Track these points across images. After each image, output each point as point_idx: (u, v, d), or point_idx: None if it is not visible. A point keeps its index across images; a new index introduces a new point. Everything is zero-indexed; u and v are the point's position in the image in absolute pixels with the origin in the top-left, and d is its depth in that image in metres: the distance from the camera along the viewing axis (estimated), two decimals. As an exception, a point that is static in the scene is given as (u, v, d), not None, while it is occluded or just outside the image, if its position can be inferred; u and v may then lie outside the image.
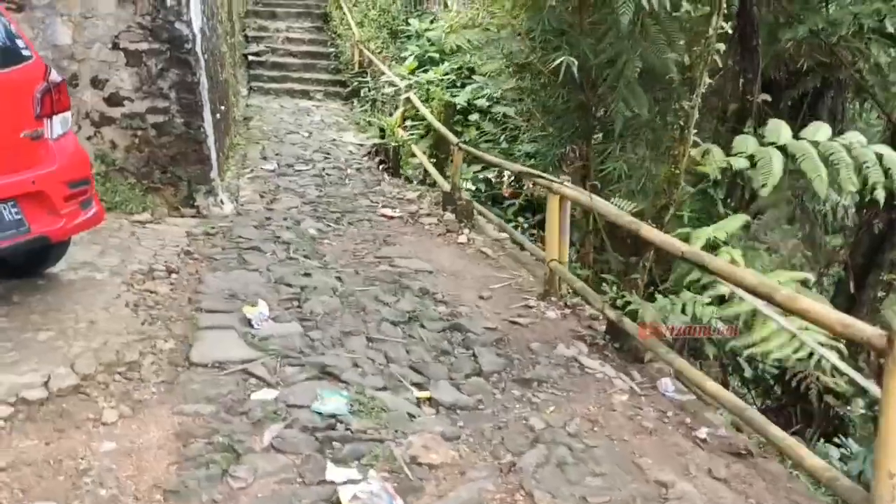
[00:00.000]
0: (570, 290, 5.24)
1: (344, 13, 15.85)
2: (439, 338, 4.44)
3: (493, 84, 13.01)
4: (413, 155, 10.47)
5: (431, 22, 15.65)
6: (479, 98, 12.79)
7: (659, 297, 4.56)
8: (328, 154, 10.59)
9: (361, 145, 11.46)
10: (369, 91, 13.55)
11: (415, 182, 9.58)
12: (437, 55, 14.18)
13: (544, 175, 5.20)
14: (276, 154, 10.21)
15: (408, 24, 16.02)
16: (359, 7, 16.33)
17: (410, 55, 13.51)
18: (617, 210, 4.29)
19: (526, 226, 9.68)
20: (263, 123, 12.27)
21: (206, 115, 7.78)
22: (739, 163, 4.25)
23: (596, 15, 8.19)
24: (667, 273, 7.29)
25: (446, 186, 8.22)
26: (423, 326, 4.58)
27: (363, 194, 8.68)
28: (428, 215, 7.74)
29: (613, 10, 7.57)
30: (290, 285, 5.06)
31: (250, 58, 15.44)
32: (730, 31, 6.87)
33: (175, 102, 7.46)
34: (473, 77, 13.25)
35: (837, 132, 4.95)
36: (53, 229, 4.30)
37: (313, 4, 18.15)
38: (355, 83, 14.21)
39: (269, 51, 15.82)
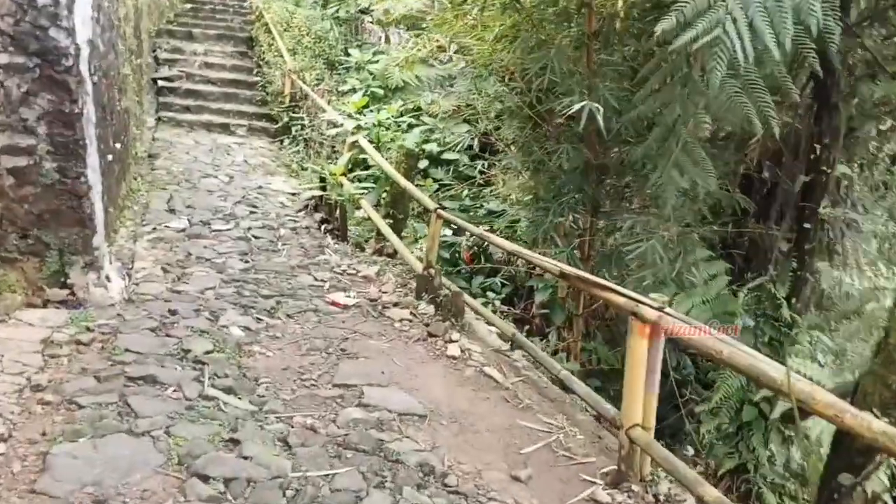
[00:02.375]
0: (658, 469, 3.34)
1: (273, 38, 13.79)
2: None
3: (444, 127, 11.38)
4: (358, 207, 8.49)
5: (374, 54, 13.83)
6: (428, 143, 11.01)
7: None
8: (254, 207, 8.46)
9: (295, 195, 9.39)
10: (303, 129, 11.51)
11: (368, 250, 7.57)
12: (380, 91, 12.37)
13: (623, 291, 3.32)
14: (188, 206, 8.00)
15: (347, 54, 14.13)
16: (290, 33, 14.32)
17: (358, 91, 11.59)
18: (832, 399, 2.37)
19: (497, 302, 7.87)
20: (173, 163, 10.02)
21: (92, 157, 5.62)
22: None
23: (613, 53, 6.57)
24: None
25: (417, 265, 6.27)
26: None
27: (303, 267, 6.62)
28: (396, 305, 5.76)
29: (641, 49, 5.99)
30: (206, 478, 2.96)
31: (160, 83, 13.15)
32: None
33: (45, 140, 5.30)
34: (422, 118, 11.50)
35: None
36: None
37: (237, 27, 16.02)
38: (286, 119, 12.14)
39: (184, 76, 13.57)
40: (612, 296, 3.39)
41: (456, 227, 6.74)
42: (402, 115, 10.50)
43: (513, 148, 8.37)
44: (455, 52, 8.68)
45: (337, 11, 15.30)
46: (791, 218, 6.06)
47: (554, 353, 7.13)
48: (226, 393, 3.84)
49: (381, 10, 13.87)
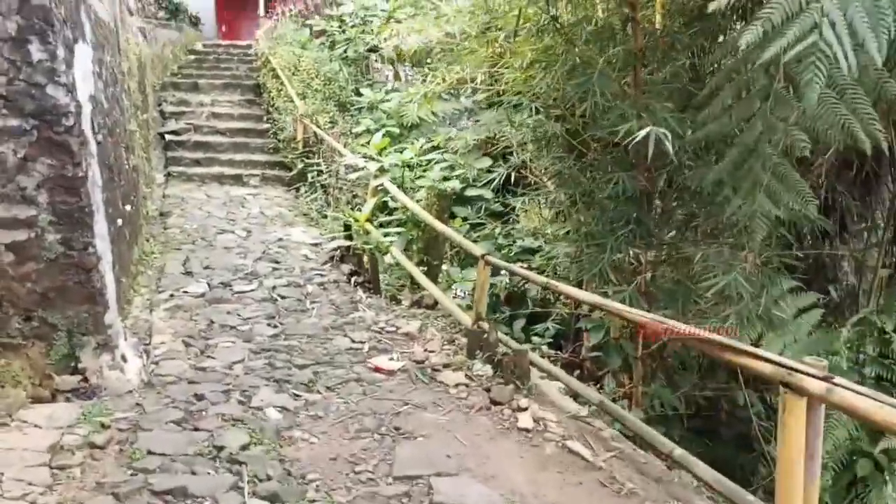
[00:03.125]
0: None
1: (282, 83, 13.36)
2: None
3: (465, 162, 10.84)
4: (386, 253, 7.89)
5: (387, 93, 13.36)
6: (449, 179, 10.45)
7: None
8: (277, 262, 7.87)
9: (317, 245, 8.81)
10: (319, 175, 10.97)
11: (405, 302, 6.93)
12: (396, 129, 11.85)
13: (769, 356, 2.65)
14: (206, 267, 7.42)
15: (359, 94, 13.68)
16: (299, 76, 13.90)
17: (376, 131, 11.07)
18: None
19: (545, 347, 7.22)
20: (186, 220, 9.49)
21: (100, 225, 5.06)
22: None
23: (654, 71, 6.01)
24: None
25: (464, 318, 5.64)
26: None
27: (338, 327, 5.99)
28: (447, 366, 5.10)
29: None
30: None
31: (168, 137, 12.71)
32: None
33: (47, 209, 4.76)
34: (444, 155, 10.95)
35: None
36: None
37: (243, 75, 15.67)
38: (300, 165, 11.63)
39: (192, 128, 13.14)
40: (754, 362, 2.73)
41: (509, 273, 6.12)
42: (425, 153, 9.95)
43: (549, 182, 7.78)
44: (481, 83, 8.14)
45: (345, 52, 14.91)
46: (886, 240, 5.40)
47: (613, 401, 6.49)
48: (271, 502, 3.18)
49: (390, 47, 13.44)
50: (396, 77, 15.09)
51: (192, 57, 16.94)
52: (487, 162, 10.51)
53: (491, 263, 5.34)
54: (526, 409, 4.30)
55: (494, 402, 4.44)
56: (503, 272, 7.32)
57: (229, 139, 13.14)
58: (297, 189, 11.47)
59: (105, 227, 5.17)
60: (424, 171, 10.21)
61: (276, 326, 5.92)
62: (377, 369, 5.09)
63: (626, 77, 6.04)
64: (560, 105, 6.38)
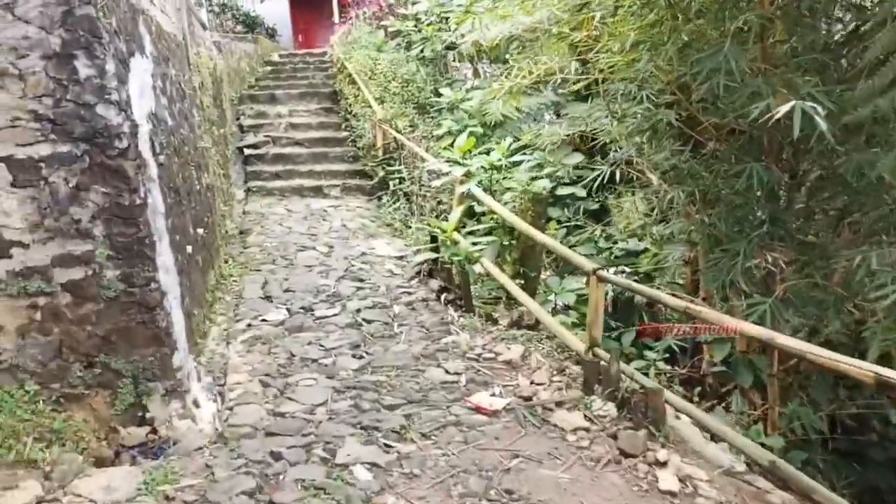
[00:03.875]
0: None
1: (359, 89, 12.85)
2: None
3: (555, 160, 10.01)
4: (475, 262, 7.16)
5: (467, 91, 12.65)
6: (538, 179, 9.62)
7: None
8: (361, 280, 7.28)
9: (402, 258, 8.20)
10: (401, 182, 10.37)
11: (502, 321, 6.17)
12: (479, 129, 11.11)
13: None
14: (286, 290, 6.89)
15: (438, 95, 13.02)
16: (376, 80, 13.37)
17: (458, 133, 10.38)
18: None
19: (661, 363, 6.34)
20: (266, 237, 9.05)
21: (163, 256, 4.55)
22: None
23: (775, 45, 5.10)
24: None
25: (576, 344, 4.85)
26: None
27: (429, 356, 5.32)
28: (560, 405, 4.33)
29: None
30: None
31: (247, 151, 12.40)
32: None
33: (104, 243, 4.29)
34: (532, 154, 10.15)
35: None
36: None
37: (319, 83, 15.29)
38: (381, 173, 11.07)
39: (270, 141, 12.81)
40: None
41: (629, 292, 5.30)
42: (512, 153, 9.18)
43: (655, 178, 6.87)
44: (574, 71, 7.32)
45: (422, 51, 14.29)
46: None
47: (746, 427, 5.59)
48: None
49: (469, 41, 12.73)
50: (476, 74, 14.39)
51: (269, 68, 16.75)
52: (578, 157, 9.68)
53: (604, 280, 4.54)
54: (666, 463, 3.50)
55: (625, 454, 3.65)
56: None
57: (308, 149, 12.73)
58: (379, 198, 10.91)
59: (170, 258, 4.66)
60: (511, 171, 9.46)
61: (361, 357, 5.30)
62: (478, 409, 4.38)
63: (749, 51, 5.15)
64: (671, 89, 5.52)
